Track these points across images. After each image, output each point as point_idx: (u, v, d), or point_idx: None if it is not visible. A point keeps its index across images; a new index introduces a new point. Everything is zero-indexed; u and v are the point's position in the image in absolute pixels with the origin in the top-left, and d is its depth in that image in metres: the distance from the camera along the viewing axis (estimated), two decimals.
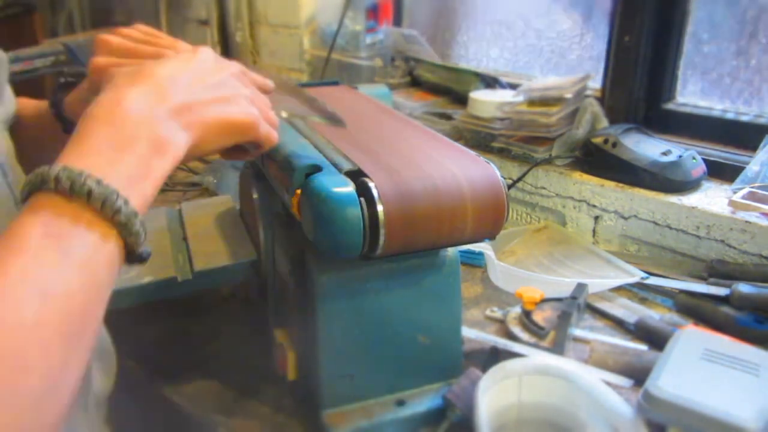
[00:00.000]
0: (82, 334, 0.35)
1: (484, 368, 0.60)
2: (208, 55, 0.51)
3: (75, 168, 0.37)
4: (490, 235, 0.58)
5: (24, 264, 0.33)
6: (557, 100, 1.03)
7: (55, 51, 1.25)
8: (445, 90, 1.30)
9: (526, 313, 0.75)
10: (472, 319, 0.80)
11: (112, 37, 0.55)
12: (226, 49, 1.75)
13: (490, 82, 1.22)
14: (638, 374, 0.66)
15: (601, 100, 1.08)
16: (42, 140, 0.64)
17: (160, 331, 0.81)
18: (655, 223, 0.92)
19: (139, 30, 0.58)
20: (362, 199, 0.52)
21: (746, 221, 0.83)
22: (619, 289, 0.85)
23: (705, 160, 0.95)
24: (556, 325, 0.72)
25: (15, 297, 0.32)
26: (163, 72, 0.46)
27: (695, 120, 1.03)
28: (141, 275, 0.74)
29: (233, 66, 0.53)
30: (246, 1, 1.67)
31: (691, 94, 1.06)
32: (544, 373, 0.59)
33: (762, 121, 0.97)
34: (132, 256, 0.40)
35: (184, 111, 0.45)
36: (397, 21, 1.51)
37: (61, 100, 0.62)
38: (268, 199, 0.74)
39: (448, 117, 1.21)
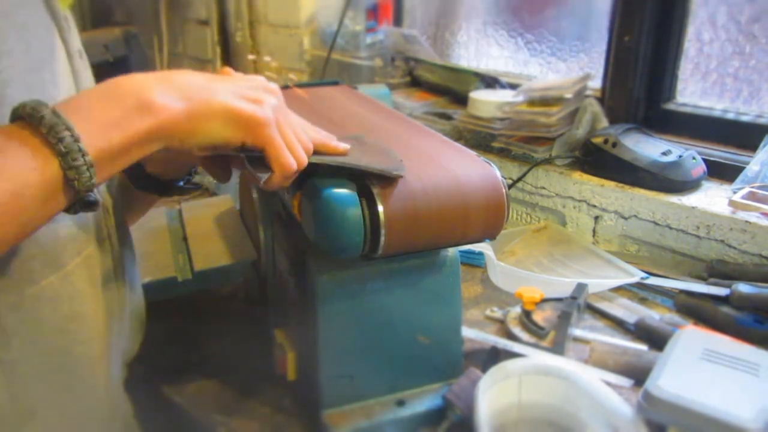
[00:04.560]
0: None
1: (484, 368, 0.60)
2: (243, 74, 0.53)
3: (44, 102, 0.40)
4: (491, 235, 0.58)
5: None
6: (557, 100, 1.03)
7: None
8: (445, 90, 1.30)
9: (526, 313, 0.75)
10: (472, 319, 0.80)
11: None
12: (226, 49, 1.75)
13: (490, 82, 1.22)
14: (638, 374, 0.66)
15: (601, 100, 1.08)
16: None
17: (160, 331, 0.81)
18: (655, 223, 0.92)
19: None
20: (363, 199, 0.52)
21: (746, 221, 0.83)
22: (619, 289, 0.85)
23: (705, 160, 0.95)
24: (556, 325, 0.72)
25: None
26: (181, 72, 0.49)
27: (695, 120, 1.03)
28: (141, 275, 0.74)
29: (273, 86, 0.53)
30: (246, 1, 1.67)
31: (691, 94, 1.06)
32: (544, 373, 0.59)
33: (762, 121, 0.97)
34: (77, 196, 0.42)
35: (187, 89, 0.46)
36: (397, 21, 1.51)
37: None
38: (268, 199, 0.74)
39: (448, 117, 1.21)
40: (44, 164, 0.39)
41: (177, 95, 0.45)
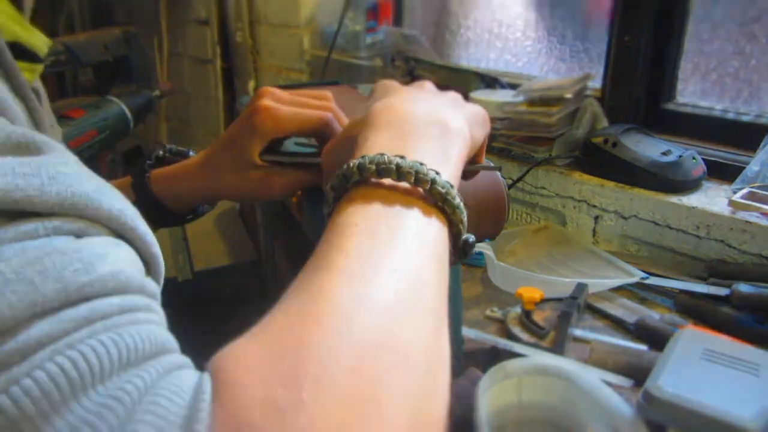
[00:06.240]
0: (442, 311, 0.31)
1: (484, 368, 0.60)
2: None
3: (373, 153, 0.34)
4: (491, 235, 0.58)
5: (360, 245, 0.30)
6: (557, 100, 1.03)
7: (55, 51, 1.25)
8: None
9: (526, 313, 0.75)
10: (472, 319, 0.80)
11: (275, 89, 0.55)
12: (226, 49, 1.75)
13: (490, 82, 1.22)
14: (638, 374, 0.66)
15: (601, 100, 1.08)
16: None
17: None
18: (655, 223, 0.92)
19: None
20: None
21: (746, 221, 0.83)
22: (619, 289, 0.85)
23: (705, 160, 0.95)
24: (556, 325, 0.72)
25: (370, 277, 0.29)
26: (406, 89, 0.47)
27: (695, 120, 1.03)
28: None
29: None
30: (246, 1, 1.67)
31: (691, 94, 1.06)
32: (544, 373, 0.59)
33: (762, 121, 0.97)
34: (457, 241, 0.36)
35: (439, 108, 0.44)
36: (397, 21, 1.51)
37: (148, 171, 0.59)
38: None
39: None
40: (428, 214, 0.34)
41: (454, 112, 0.44)
